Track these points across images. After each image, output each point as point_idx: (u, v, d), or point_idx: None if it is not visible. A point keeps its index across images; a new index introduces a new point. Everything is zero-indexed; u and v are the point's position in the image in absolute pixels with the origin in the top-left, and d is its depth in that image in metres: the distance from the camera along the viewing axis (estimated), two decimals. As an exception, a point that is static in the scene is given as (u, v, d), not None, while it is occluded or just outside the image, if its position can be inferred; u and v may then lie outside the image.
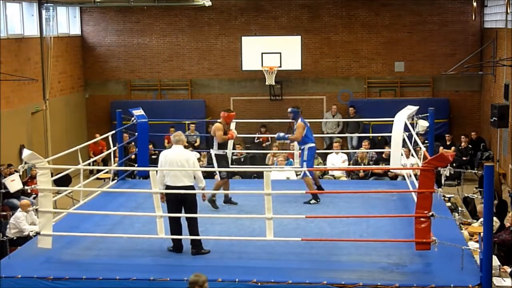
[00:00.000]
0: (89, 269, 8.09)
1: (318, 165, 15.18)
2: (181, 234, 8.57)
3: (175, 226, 8.58)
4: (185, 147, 18.62)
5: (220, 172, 10.46)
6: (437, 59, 20.27)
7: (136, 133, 12.39)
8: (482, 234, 7.56)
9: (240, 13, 20.72)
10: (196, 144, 19.30)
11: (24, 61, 17.39)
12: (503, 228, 10.40)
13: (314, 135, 11.46)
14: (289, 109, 11.30)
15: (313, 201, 10.74)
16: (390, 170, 14.30)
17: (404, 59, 20.54)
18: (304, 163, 10.86)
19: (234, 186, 11.66)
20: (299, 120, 11.05)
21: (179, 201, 8.54)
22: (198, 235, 8.60)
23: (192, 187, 8.64)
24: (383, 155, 14.75)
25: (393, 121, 11.73)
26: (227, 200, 10.77)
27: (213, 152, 10.65)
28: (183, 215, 8.62)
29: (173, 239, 8.61)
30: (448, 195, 11.80)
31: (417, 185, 8.54)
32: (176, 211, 8.56)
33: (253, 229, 9.25)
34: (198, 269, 7.98)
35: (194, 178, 8.77)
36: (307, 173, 10.76)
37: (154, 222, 8.55)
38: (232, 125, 13.13)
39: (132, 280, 7.78)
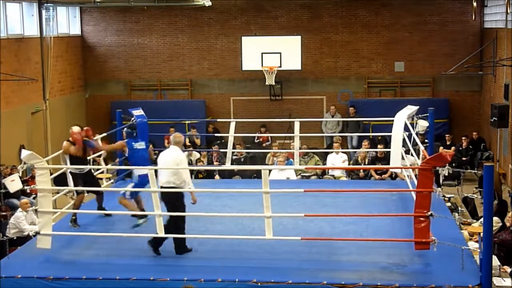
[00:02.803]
0: (89, 269, 8.09)
1: (316, 164, 15.21)
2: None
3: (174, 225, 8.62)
4: (187, 146, 18.62)
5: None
6: (437, 59, 20.27)
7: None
8: (482, 234, 7.56)
9: (240, 13, 20.72)
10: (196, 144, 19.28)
11: (24, 61, 17.39)
12: (505, 228, 10.40)
13: (314, 135, 11.41)
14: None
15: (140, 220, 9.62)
16: (390, 170, 14.29)
17: (404, 59, 20.54)
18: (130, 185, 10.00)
19: (234, 186, 11.66)
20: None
21: (164, 200, 8.63)
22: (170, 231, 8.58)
23: (172, 189, 8.58)
24: (378, 154, 14.74)
25: (393, 121, 11.72)
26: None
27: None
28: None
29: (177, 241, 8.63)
30: (448, 195, 11.80)
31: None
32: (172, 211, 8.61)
33: (252, 229, 9.25)
34: (198, 269, 8.02)
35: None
36: (127, 194, 9.87)
37: (154, 221, 8.55)
38: (232, 125, 13.17)
39: (132, 280, 7.78)
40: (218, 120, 18.90)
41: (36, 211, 8.94)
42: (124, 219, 9.87)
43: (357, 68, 20.70)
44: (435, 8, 20.28)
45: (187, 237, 8.68)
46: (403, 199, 10.73)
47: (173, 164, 8.70)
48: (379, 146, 15.23)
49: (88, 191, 10.08)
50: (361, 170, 14.83)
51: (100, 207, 10.24)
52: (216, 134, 18.07)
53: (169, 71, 21.18)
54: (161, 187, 8.61)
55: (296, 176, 14.25)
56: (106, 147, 11.22)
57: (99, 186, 10.38)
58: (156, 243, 8.58)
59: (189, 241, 8.89)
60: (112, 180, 12.42)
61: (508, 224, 10.27)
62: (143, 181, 9.59)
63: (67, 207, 10.25)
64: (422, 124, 11.78)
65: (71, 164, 9.92)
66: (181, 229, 8.61)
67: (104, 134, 12.42)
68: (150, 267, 8.17)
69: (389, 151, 12.10)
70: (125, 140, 10.25)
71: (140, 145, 10.16)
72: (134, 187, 9.80)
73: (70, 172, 9.94)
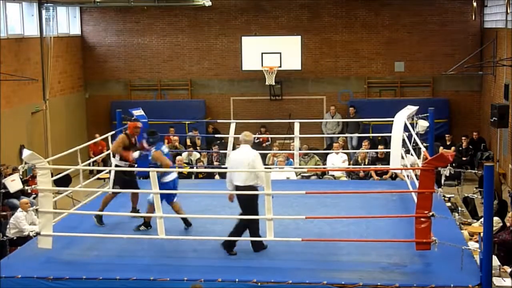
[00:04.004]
0: (89, 269, 8.09)
1: (316, 164, 15.21)
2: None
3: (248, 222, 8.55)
4: (187, 146, 18.60)
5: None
6: (437, 59, 20.28)
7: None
8: (482, 234, 7.56)
9: (240, 13, 20.72)
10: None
11: (24, 61, 17.39)
12: (505, 228, 10.40)
13: (314, 135, 11.40)
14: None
15: (142, 227, 9.47)
16: (390, 170, 14.29)
17: (404, 59, 20.55)
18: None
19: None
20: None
21: (238, 197, 8.60)
22: (256, 234, 8.55)
23: (250, 187, 8.52)
24: (379, 155, 14.74)
25: (393, 121, 11.72)
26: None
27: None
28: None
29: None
30: (448, 195, 11.80)
31: (417, 185, 8.53)
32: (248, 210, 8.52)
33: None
34: (198, 269, 8.02)
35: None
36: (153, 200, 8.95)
37: (154, 222, 8.55)
38: (232, 126, 13.17)
39: (132, 280, 7.78)
40: (218, 120, 18.90)
41: (36, 211, 8.93)
42: (125, 219, 9.87)
43: (357, 68, 20.70)
44: (435, 8, 20.29)
45: (187, 238, 8.67)
46: (403, 199, 10.73)
47: (250, 163, 8.55)
48: (379, 146, 15.20)
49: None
50: (361, 170, 14.83)
51: (134, 209, 10.02)
52: (216, 135, 18.08)
53: (169, 71, 21.18)
54: (237, 187, 8.53)
55: (296, 176, 14.25)
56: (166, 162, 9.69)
57: (138, 187, 10.05)
58: (229, 245, 8.56)
59: (189, 241, 8.90)
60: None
61: (508, 224, 10.27)
62: (170, 186, 9.25)
63: (74, 208, 10.26)
64: (422, 124, 11.78)
65: (120, 161, 9.87)
66: (256, 224, 8.55)
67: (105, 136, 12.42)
68: (150, 267, 8.17)
69: (389, 152, 12.11)
70: (161, 149, 9.57)
71: (165, 148, 9.93)
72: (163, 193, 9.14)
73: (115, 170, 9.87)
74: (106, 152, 13.07)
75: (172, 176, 9.36)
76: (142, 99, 20.86)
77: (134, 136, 10.02)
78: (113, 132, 12.44)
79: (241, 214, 8.58)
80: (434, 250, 7.83)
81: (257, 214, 8.51)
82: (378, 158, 14.78)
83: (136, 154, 9.77)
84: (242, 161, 8.57)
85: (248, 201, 8.50)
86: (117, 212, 9.92)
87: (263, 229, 8.46)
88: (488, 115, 17.15)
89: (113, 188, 9.86)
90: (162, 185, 9.02)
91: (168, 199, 9.34)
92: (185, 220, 9.46)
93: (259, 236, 8.56)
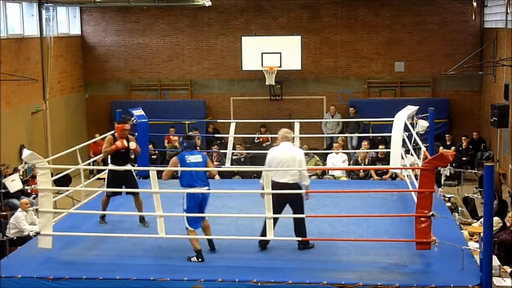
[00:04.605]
0: (89, 269, 8.09)
1: (316, 164, 15.22)
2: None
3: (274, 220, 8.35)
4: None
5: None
6: (437, 59, 20.28)
7: (136, 133, 12.38)
8: (482, 234, 7.56)
9: (240, 13, 20.72)
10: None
11: (24, 61, 17.39)
12: (505, 228, 10.40)
13: (315, 135, 11.37)
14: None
15: (194, 258, 8.41)
16: (390, 170, 14.29)
17: (404, 59, 20.55)
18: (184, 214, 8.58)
19: (234, 186, 11.65)
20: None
21: (282, 197, 8.46)
22: (303, 230, 8.58)
23: (296, 185, 8.55)
24: (379, 155, 14.74)
25: (393, 121, 11.72)
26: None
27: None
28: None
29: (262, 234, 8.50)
30: (448, 195, 11.81)
31: (417, 185, 8.54)
32: (278, 206, 8.41)
33: (253, 229, 9.24)
34: (198, 269, 8.02)
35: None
36: (188, 225, 8.49)
37: (154, 222, 8.55)
38: (232, 126, 13.16)
39: (132, 280, 7.78)
40: (218, 120, 18.90)
41: (36, 211, 8.94)
42: (125, 220, 9.87)
43: (357, 68, 20.70)
44: (435, 8, 20.29)
45: (187, 237, 8.66)
46: (403, 199, 10.73)
47: (295, 160, 8.57)
48: (380, 146, 15.19)
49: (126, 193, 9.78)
50: (361, 170, 14.83)
51: (142, 219, 9.70)
52: (216, 135, 18.08)
53: (169, 71, 21.18)
54: (281, 184, 8.45)
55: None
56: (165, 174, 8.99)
57: (134, 186, 9.77)
58: (264, 244, 8.61)
59: (189, 241, 8.89)
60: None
61: (508, 224, 10.28)
62: (196, 200, 8.44)
63: (74, 207, 10.25)
64: (422, 124, 11.77)
65: (112, 160, 9.76)
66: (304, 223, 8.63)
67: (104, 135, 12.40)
68: (150, 267, 8.17)
69: (389, 151, 12.11)
70: (177, 156, 8.66)
71: (195, 158, 8.58)
72: (189, 211, 8.44)
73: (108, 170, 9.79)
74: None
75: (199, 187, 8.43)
76: (142, 99, 20.86)
77: (123, 138, 9.79)
78: (113, 132, 12.43)
79: (294, 212, 8.57)
80: (434, 250, 7.83)
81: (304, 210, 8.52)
82: (378, 158, 14.78)
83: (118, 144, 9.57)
84: (292, 158, 8.55)
85: (300, 198, 8.52)
86: (117, 212, 9.93)
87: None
88: (488, 115, 17.15)
89: (106, 191, 9.71)
90: (190, 197, 8.44)
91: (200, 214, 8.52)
92: (210, 242, 8.66)
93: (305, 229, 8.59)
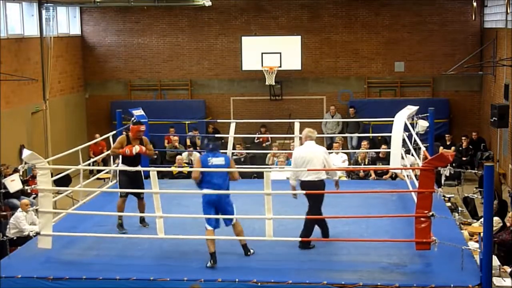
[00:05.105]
0: (89, 269, 8.09)
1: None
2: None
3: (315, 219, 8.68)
4: (187, 146, 18.55)
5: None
6: (437, 59, 20.28)
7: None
8: (482, 234, 7.57)
9: (240, 13, 20.72)
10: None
11: (24, 61, 17.39)
12: (505, 228, 10.41)
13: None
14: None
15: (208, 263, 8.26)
16: (390, 170, 14.29)
17: (404, 59, 20.55)
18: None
19: (234, 186, 11.59)
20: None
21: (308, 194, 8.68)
22: (311, 229, 8.76)
23: (322, 182, 8.77)
24: (380, 155, 14.73)
25: (393, 121, 11.72)
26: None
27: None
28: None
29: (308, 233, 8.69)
30: (448, 195, 11.81)
31: (417, 185, 8.54)
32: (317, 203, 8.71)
33: (253, 229, 9.24)
34: (198, 269, 8.02)
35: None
36: (206, 225, 8.46)
37: (154, 222, 8.55)
38: (232, 126, 13.16)
39: (132, 280, 7.78)
40: (218, 120, 18.90)
41: (36, 211, 8.94)
42: (125, 220, 9.86)
43: (357, 68, 20.70)
44: (435, 8, 20.29)
45: (187, 238, 8.67)
46: (403, 199, 10.72)
47: (326, 158, 8.87)
48: (383, 146, 15.16)
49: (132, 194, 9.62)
50: (361, 170, 14.83)
51: (142, 219, 9.70)
52: (216, 135, 18.06)
53: (169, 71, 21.18)
54: (309, 182, 8.68)
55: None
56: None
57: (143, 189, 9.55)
58: (305, 244, 8.69)
59: (189, 241, 8.89)
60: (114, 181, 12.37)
61: (508, 224, 10.28)
62: (210, 200, 8.37)
63: (74, 207, 10.25)
64: (422, 124, 11.78)
65: (123, 161, 9.60)
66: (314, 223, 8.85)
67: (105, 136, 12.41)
68: (150, 267, 8.17)
69: (389, 151, 12.11)
70: (200, 156, 8.63)
71: (218, 160, 8.49)
72: (204, 211, 8.43)
73: (119, 171, 9.66)
74: (106, 152, 13.08)
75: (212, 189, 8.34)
76: (142, 99, 20.85)
77: (137, 139, 9.70)
78: (113, 132, 12.44)
79: (310, 208, 8.75)
80: (434, 250, 7.83)
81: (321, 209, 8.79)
82: (379, 157, 14.78)
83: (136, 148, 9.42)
84: (317, 156, 8.79)
85: (320, 196, 8.78)
86: (117, 212, 9.92)
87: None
88: (488, 115, 17.15)
89: (120, 193, 9.50)
90: (204, 197, 8.40)
91: (225, 219, 8.48)
92: (244, 246, 8.60)
93: (312, 231, 8.75)
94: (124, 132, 10.18)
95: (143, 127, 9.74)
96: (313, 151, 8.92)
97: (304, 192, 8.69)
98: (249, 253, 8.53)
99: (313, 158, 8.81)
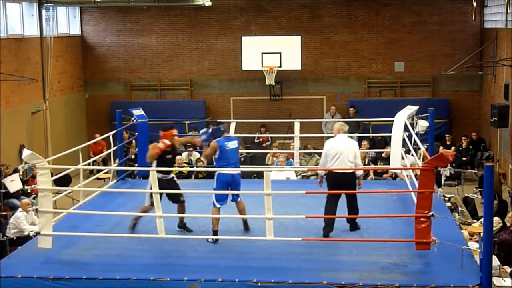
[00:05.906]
0: (89, 269, 8.08)
1: (316, 164, 15.20)
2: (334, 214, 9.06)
3: (332, 206, 9.12)
4: (187, 147, 18.59)
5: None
6: (437, 59, 20.28)
7: (136, 133, 12.39)
8: (482, 234, 7.56)
9: (240, 13, 20.72)
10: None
11: (24, 61, 17.40)
12: (505, 228, 10.41)
13: (315, 135, 11.39)
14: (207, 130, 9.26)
15: (209, 239, 8.88)
16: (390, 170, 14.29)
17: (404, 59, 20.55)
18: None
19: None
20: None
21: (342, 184, 9.06)
22: (357, 212, 9.20)
23: (353, 173, 9.16)
24: (383, 155, 14.73)
25: (393, 121, 11.71)
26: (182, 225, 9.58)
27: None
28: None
29: (326, 220, 9.05)
30: (448, 195, 11.80)
31: (417, 185, 8.54)
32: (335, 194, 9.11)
33: (253, 229, 9.25)
34: (198, 269, 8.02)
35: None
36: (215, 202, 9.03)
37: (154, 222, 8.55)
38: (232, 126, 13.17)
39: (132, 280, 7.77)
40: (218, 120, 18.85)
41: (36, 211, 8.93)
42: (125, 219, 9.86)
43: (357, 68, 20.71)
44: (435, 8, 20.30)
45: (187, 238, 8.66)
46: (403, 199, 10.71)
47: (352, 150, 9.16)
48: (387, 147, 15.13)
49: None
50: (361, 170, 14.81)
51: (182, 224, 9.44)
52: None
53: (169, 71, 21.18)
54: (342, 174, 9.05)
55: (296, 176, 14.24)
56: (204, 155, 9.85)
57: (179, 195, 9.33)
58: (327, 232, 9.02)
59: (189, 241, 8.90)
60: (114, 181, 12.38)
61: (508, 224, 10.28)
62: (226, 179, 9.01)
63: (74, 207, 10.24)
64: (422, 124, 11.77)
65: (158, 166, 9.21)
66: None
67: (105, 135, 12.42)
68: (150, 267, 8.16)
69: (389, 151, 12.11)
70: (217, 140, 9.10)
71: (233, 144, 9.21)
72: (217, 188, 9.01)
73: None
74: (106, 152, 13.11)
75: (233, 169, 9.08)
76: (142, 99, 20.86)
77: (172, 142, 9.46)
78: (113, 132, 12.45)
79: (350, 200, 9.18)
80: (434, 250, 7.82)
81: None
82: (379, 157, 14.78)
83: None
84: (350, 149, 9.14)
85: (354, 184, 9.17)
86: (117, 212, 9.92)
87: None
88: (488, 115, 17.16)
89: (151, 197, 8.88)
90: (220, 176, 9.01)
91: (233, 195, 9.18)
92: (245, 222, 9.35)
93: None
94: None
95: (175, 131, 9.68)
96: (346, 143, 9.24)
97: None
98: (249, 229, 9.20)
99: (346, 150, 9.12)
